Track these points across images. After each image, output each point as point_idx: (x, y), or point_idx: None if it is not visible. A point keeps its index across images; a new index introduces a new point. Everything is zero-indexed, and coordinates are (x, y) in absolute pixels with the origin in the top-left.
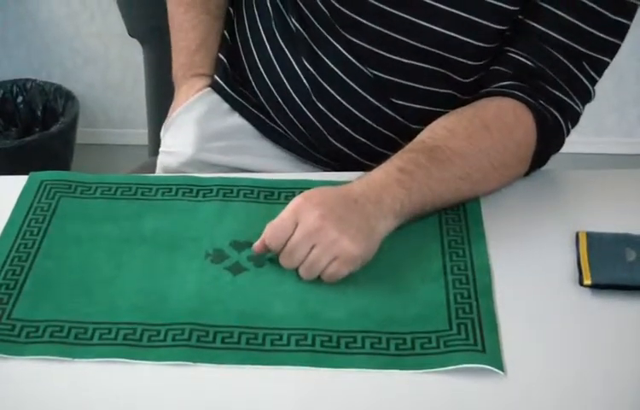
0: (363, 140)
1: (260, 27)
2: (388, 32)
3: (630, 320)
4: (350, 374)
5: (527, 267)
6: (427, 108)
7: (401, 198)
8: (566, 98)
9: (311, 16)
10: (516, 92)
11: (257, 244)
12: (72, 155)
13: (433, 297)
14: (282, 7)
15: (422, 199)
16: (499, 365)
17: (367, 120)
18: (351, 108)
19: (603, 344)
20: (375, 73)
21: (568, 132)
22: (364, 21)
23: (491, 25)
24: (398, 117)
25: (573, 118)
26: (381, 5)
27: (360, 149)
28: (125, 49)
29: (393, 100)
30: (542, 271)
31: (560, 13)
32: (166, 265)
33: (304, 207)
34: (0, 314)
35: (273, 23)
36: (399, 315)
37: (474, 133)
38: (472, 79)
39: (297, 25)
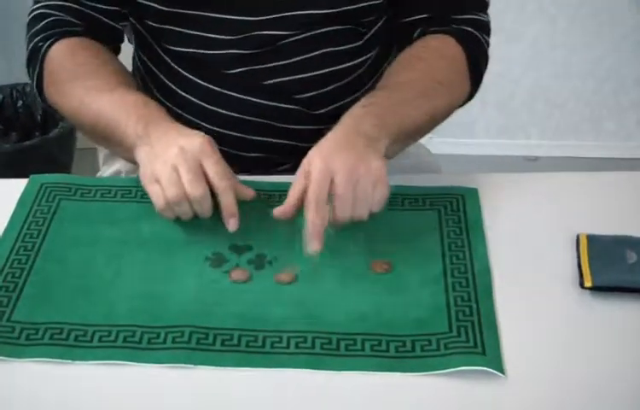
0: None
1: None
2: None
3: (630, 322)
4: (350, 376)
5: (528, 270)
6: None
7: (376, 123)
8: (468, 16)
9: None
10: (426, 29)
11: (287, 209)
12: (72, 159)
13: (433, 300)
14: (154, 44)
15: (396, 121)
16: (499, 367)
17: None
18: (216, 108)
19: (604, 346)
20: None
21: (487, 44)
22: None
23: None
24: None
25: (484, 28)
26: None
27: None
28: (124, 52)
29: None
30: (542, 273)
31: None
32: (166, 268)
33: (328, 160)
34: None
35: (155, 66)
36: (399, 318)
37: (408, 65)
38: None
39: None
